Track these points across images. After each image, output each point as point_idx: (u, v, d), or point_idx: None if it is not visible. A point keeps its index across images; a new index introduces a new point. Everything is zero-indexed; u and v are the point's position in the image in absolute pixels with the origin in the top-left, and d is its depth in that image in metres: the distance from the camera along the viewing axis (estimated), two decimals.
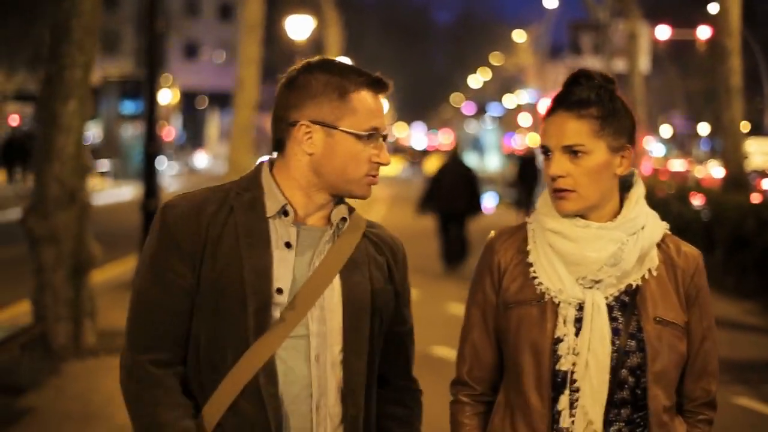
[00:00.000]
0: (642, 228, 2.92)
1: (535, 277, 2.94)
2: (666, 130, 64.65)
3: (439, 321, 12.16)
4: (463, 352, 3.06)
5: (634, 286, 2.92)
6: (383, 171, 2.95)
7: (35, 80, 53.33)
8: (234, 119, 19.73)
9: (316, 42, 36.35)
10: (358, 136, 2.81)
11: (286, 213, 2.82)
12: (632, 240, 2.90)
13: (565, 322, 2.89)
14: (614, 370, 2.87)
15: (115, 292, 13.06)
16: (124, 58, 60.21)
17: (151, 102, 14.40)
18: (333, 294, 2.82)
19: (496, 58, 73.56)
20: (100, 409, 8.19)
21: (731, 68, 19.30)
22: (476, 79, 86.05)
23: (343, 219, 2.87)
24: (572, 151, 2.86)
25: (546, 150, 2.91)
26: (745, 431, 7.70)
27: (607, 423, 2.88)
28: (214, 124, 77.24)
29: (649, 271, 2.93)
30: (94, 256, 10.35)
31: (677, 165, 46.28)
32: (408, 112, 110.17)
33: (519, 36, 65.65)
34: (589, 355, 2.85)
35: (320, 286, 2.81)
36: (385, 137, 2.88)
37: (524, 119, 66.20)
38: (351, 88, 2.82)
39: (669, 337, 2.90)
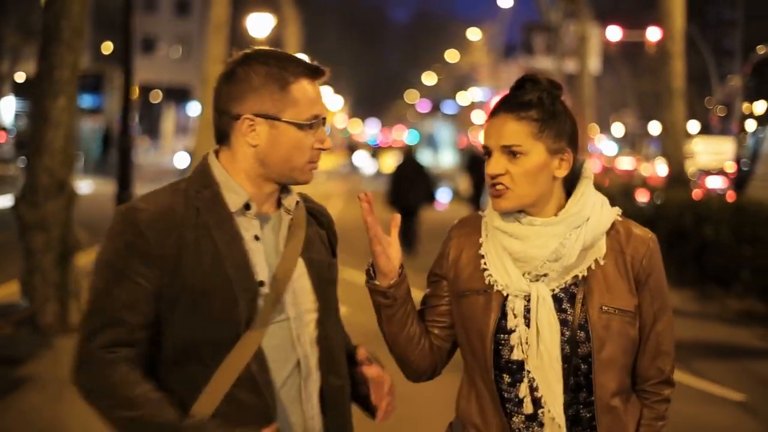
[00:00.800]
0: (587, 220, 2.97)
1: (485, 269, 3.02)
2: (618, 129, 65.63)
3: None
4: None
5: (580, 277, 2.97)
6: (322, 162, 3.05)
7: None
8: (200, 115, 20.45)
9: (276, 40, 37.01)
10: (300, 126, 2.85)
11: (248, 207, 2.87)
12: (575, 234, 2.96)
13: (514, 314, 2.96)
14: (568, 359, 2.94)
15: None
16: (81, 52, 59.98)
17: (126, 97, 15.17)
18: (300, 275, 2.91)
19: (450, 56, 74.00)
20: None
21: (673, 71, 20.27)
22: (431, 77, 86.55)
23: (296, 203, 2.96)
24: (510, 152, 2.93)
25: (487, 150, 2.98)
26: (676, 400, 8.62)
27: (566, 405, 2.96)
28: (170, 119, 77.46)
29: (596, 261, 2.97)
30: (80, 241, 11.14)
31: (626, 163, 47.40)
32: (363, 108, 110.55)
33: (474, 34, 66.11)
34: (541, 347, 2.92)
35: (289, 271, 2.88)
36: (324, 122, 2.92)
37: (478, 116, 66.92)
38: (290, 78, 2.85)
39: (617, 324, 2.95)
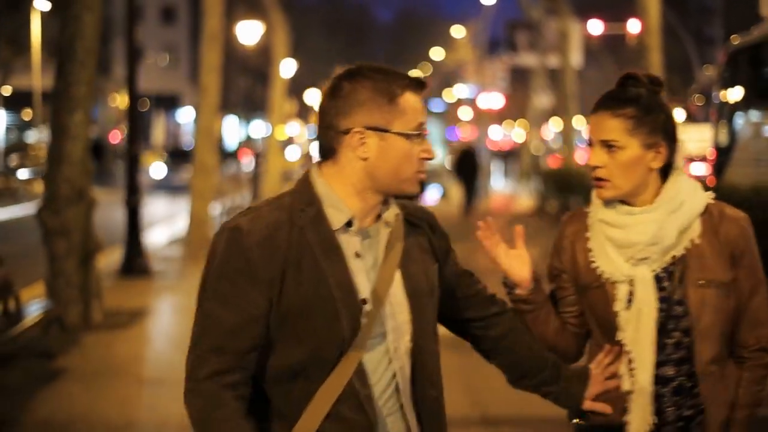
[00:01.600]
0: (681, 205, 3.21)
1: (593, 262, 3.29)
2: None
3: None
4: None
5: (678, 257, 3.22)
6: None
7: None
8: (197, 122, 21.19)
9: (264, 45, 37.70)
10: (408, 136, 2.89)
11: (350, 224, 2.89)
12: (672, 218, 3.19)
13: (619, 298, 3.23)
14: (668, 333, 3.22)
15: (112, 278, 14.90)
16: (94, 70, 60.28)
17: (133, 106, 15.98)
18: (397, 289, 2.93)
19: (436, 54, 74.29)
20: (120, 368, 9.94)
21: (652, 63, 21.06)
22: (417, 74, 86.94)
23: (397, 215, 2.98)
24: (608, 145, 3.18)
25: (589, 141, 3.24)
26: None
27: (668, 379, 3.24)
28: (160, 126, 78.13)
29: (692, 241, 3.22)
30: (100, 244, 11.98)
31: None
32: None
33: (458, 32, 66.41)
34: (639, 324, 3.19)
35: (387, 285, 2.89)
36: (426, 132, 2.96)
37: (464, 113, 67.51)
38: (398, 91, 2.90)
39: (713, 297, 3.21)
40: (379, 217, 2.96)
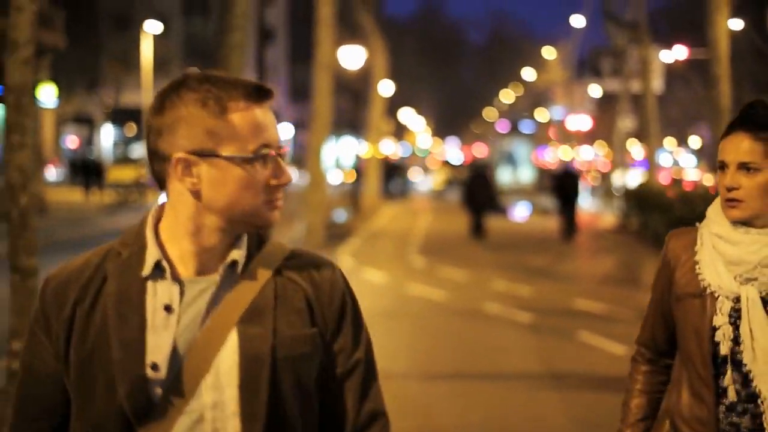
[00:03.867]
0: None
1: (699, 273, 3.25)
2: (695, 142, 67.12)
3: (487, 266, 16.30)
4: (644, 323, 3.52)
5: None
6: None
7: (92, 104, 57.73)
8: (310, 142, 23.86)
9: (365, 69, 40.13)
10: (246, 160, 2.28)
11: (160, 268, 2.32)
12: None
13: (721, 312, 3.20)
14: None
15: None
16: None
17: None
18: (228, 354, 2.29)
19: (527, 74, 75.52)
20: None
21: (720, 92, 23.15)
22: (508, 95, 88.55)
23: (233, 263, 2.34)
24: (746, 167, 3.15)
25: (723, 164, 3.21)
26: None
27: None
28: None
29: None
30: None
31: (693, 175, 50.09)
32: (443, 127, 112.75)
33: (549, 53, 67.73)
34: (754, 344, 3.16)
35: (212, 348, 2.28)
36: (280, 152, 2.34)
37: (554, 134, 69.12)
38: (229, 104, 2.28)
39: None
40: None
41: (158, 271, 2.33)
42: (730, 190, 3.19)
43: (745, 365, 3.18)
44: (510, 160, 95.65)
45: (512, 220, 36.14)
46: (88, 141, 63.89)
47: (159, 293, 2.32)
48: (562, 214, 28.50)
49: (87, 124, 62.74)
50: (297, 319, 2.37)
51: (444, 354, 11.61)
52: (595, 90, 53.80)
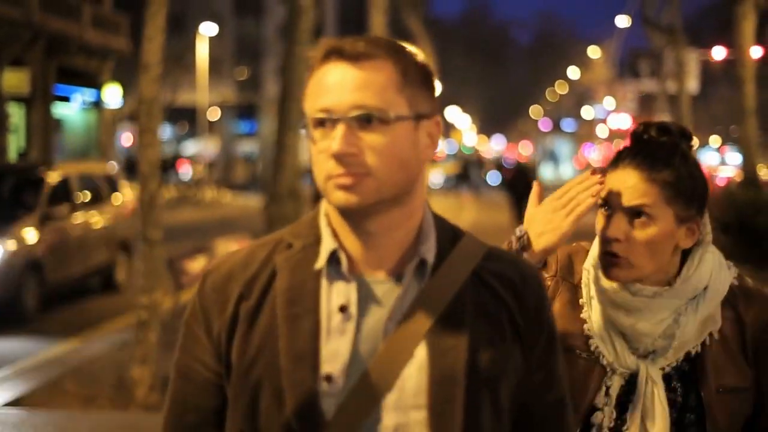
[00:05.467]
0: (704, 289, 2.54)
1: (589, 336, 2.60)
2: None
3: None
4: None
5: (693, 354, 2.55)
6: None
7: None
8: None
9: None
10: (308, 126, 1.98)
11: (336, 260, 2.01)
12: (691, 307, 2.53)
13: (609, 393, 2.56)
14: None
15: None
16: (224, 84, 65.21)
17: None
18: (416, 370, 1.96)
19: (572, 73, 76.78)
20: None
21: (746, 94, 24.83)
22: (554, 94, 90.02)
23: (422, 263, 2.01)
24: (635, 213, 2.49)
25: (606, 205, 2.54)
26: None
27: None
28: None
29: (710, 335, 2.55)
30: None
31: (727, 171, 51.59)
32: (489, 125, 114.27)
33: (594, 53, 68.98)
34: None
35: (397, 362, 1.96)
36: (336, 120, 1.93)
37: (600, 131, 70.56)
38: (315, 64, 2.00)
39: (734, 404, 2.55)
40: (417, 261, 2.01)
41: (334, 265, 2.00)
42: (611, 241, 2.52)
43: None
44: (552, 157, 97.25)
45: None
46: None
47: (334, 292, 1.99)
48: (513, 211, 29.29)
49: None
50: (493, 331, 2.02)
51: None
52: (634, 90, 55.37)
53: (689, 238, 2.56)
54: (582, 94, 79.34)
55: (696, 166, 2.57)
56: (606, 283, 2.59)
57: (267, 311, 2.03)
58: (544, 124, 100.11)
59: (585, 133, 77.56)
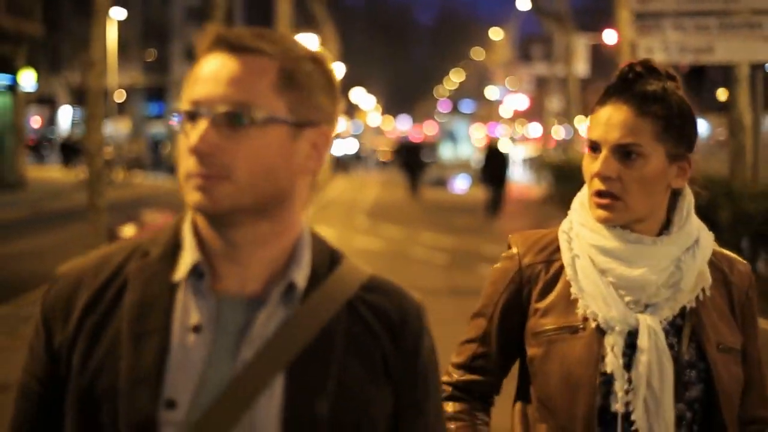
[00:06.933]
0: (696, 242, 2.45)
1: (575, 300, 2.42)
2: None
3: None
4: (464, 350, 2.61)
5: (688, 309, 2.44)
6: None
7: (55, 85, 60.41)
8: None
9: None
10: (179, 119, 1.81)
11: (199, 274, 1.81)
12: (689, 256, 2.43)
13: (614, 353, 2.37)
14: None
15: None
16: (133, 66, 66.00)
17: None
18: (268, 406, 1.76)
19: (476, 54, 78.82)
20: None
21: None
22: (459, 74, 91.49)
23: (291, 287, 1.82)
24: (625, 152, 2.36)
25: (594, 145, 2.40)
26: None
27: None
28: None
29: (703, 290, 2.45)
30: None
31: None
32: (394, 105, 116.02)
33: (496, 34, 70.39)
34: (648, 393, 2.35)
35: (250, 393, 1.76)
36: (197, 114, 1.76)
37: (504, 112, 72.77)
38: (199, 53, 1.84)
39: (732, 365, 2.45)
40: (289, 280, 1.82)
41: (194, 279, 1.79)
42: (602, 180, 2.38)
43: (633, 422, 2.37)
44: (451, 137, 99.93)
45: (452, 192, 40.18)
46: (50, 121, 66.52)
47: (191, 310, 1.78)
48: (489, 189, 28.81)
49: (48, 104, 65.36)
50: (364, 370, 1.82)
51: None
52: (528, 73, 57.90)
53: (680, 177, 2.44)
54: (484, 75, 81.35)
55: (684, 103, 2.43)
56: (599, 238, 2.42)
57: (113, 327, 1.79)
58: (443, 105, 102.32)
59: (485, 113, 79.80)
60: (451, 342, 2.71)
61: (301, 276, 1.82)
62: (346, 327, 1.83)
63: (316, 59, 1.86)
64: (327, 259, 1.88)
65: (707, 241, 2.48)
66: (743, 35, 15.53)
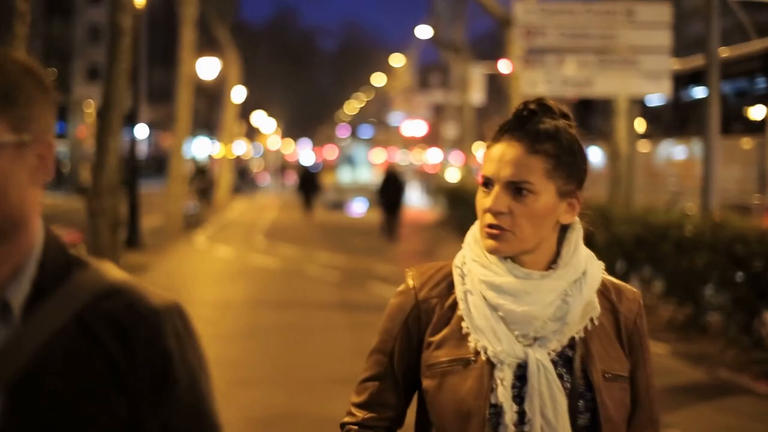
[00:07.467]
0: (584, 274, 2.53)
1: (467, 333, 2.49)
2: None
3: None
4: (363, 389, 2.62)
5: (576, 339, 2.51)
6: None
7: None
8: (174, 142, 28.44)
9: (219, 77, 44.31)
10: None
11: None
12: (576, 289, 2.51)
13: (503, 386, 2.44)
14: None
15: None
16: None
17: (132, 126, 22.89)
18: None
19: (377, 80, 79.02)
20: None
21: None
22: (360, 99, 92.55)
23: (5, 306, 1.78)
24: (517, 188, 2.43)
25: (486, 180, 2.47)
26: None
27: None
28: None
29: (591, 320, 2.53)
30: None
31: None
32: (295, 129, 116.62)
33: (397, 60, 71.85)
34: (544, 423, 2.42)
35: None
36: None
37: (395, 138, 73.93)
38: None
39: (617, 392, 2.52)
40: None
41: None
42: (494, 215, 2.43)
43: None
44: (350, 161, 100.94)
45: (349, 215, 41.03)
46: None
47: None
48: (385, 212, 29.16)
49: None
50: (91, 387, 1.76)
51: (270, 296, 16.40)
52: (425, 100, 59.10)
53: (569, 213, 2.51)
54: (384, 101, 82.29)
55: (576, 141, 2.50)
56: (488, 274, 2.48)
57: None
58: (342, 130, 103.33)
59: (383, 138, 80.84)
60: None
61: (18, 293, 1.77)
62: (68, 342, 1.77)
63: (29, 70, 1.81)
64: (61, 273, 1.81)
65: (596, 270, 2.56)
66: (621, 71, 16.70)
